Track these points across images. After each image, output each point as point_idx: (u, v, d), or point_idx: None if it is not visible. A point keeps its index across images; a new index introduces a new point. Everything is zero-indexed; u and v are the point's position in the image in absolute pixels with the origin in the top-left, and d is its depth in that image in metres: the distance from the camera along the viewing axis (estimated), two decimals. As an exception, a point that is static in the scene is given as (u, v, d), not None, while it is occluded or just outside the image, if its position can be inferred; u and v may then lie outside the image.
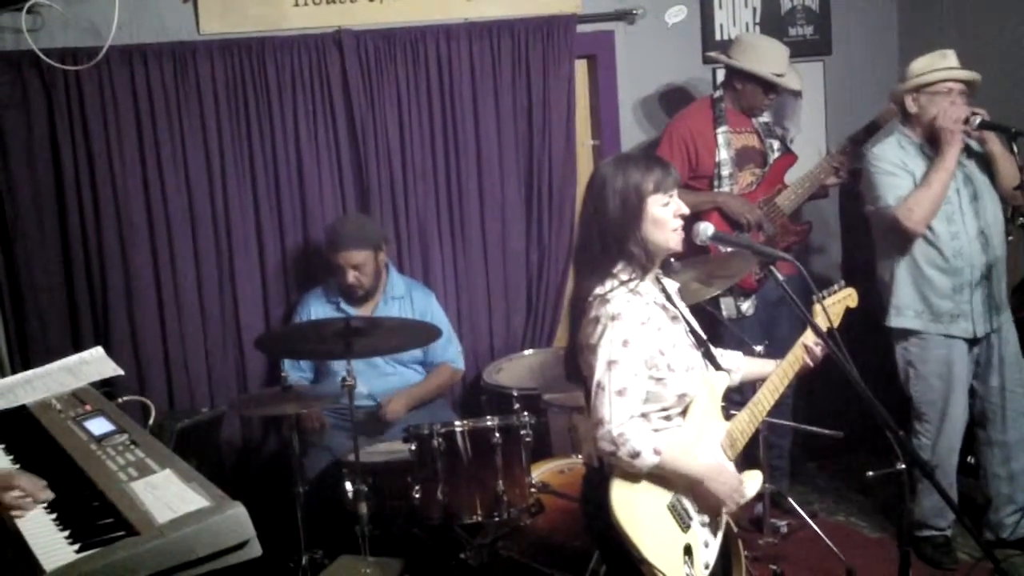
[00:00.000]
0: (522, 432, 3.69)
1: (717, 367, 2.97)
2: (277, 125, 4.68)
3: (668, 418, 2.79)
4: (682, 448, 2.76)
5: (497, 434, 3.66)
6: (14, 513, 2.30)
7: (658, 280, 2.89)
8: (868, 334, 4.08)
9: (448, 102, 4.87)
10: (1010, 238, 4.23)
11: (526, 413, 3.76)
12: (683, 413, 2.83)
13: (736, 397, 3.03)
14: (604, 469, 2.74)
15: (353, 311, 4.52)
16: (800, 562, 4.32)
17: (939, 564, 4.25)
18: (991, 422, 4.27)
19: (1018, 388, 4.24)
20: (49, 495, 2.37)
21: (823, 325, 3.01)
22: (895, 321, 4.21)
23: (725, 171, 4.73)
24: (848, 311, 3.27)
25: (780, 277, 2.92)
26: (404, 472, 3.77)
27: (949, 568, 4.24)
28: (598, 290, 2.73)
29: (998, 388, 4.23)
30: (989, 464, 4.31)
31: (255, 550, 2.14)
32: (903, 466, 2.85)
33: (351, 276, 4.44)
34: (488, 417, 3.76)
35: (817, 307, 3.05)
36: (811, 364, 3.07)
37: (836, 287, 3.26)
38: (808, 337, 3.04)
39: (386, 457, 4.00)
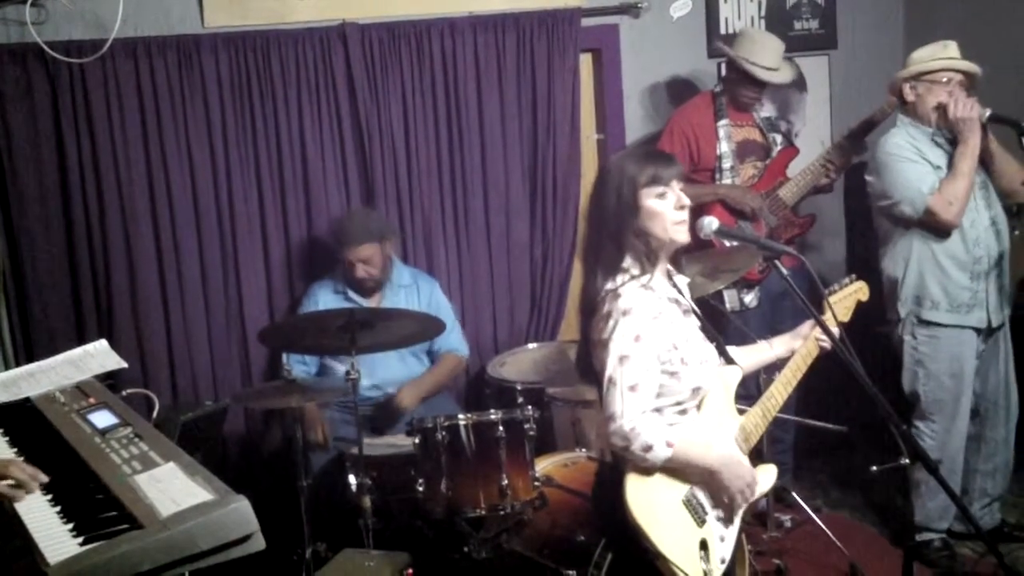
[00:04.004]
0: (526, 426, 3.69)
1: (730, 361, 2.97)
2: (282, 118, 4.68)
3: (683, 412, 2.79)
4: (695, 440, 2.76)
5: (501, 428, 3.66)
6: (11, 502, 2.30)
7: (670, 276, 2.88)
8: (869, 329, 4.08)
9: (453, 96, 4.87)
10: (1016, 233, 4.22)
11: (530, 407, 3.76)
12: (698, 407, 2.83)
13: (740, 391, 3.02)
14: (618, 465, 2.73)
15: (361, 301, 4.53)
16: (803, 557, 4.32)
17: (947, 568, 4.19)
18: (983, 418, 4.26)
19: (1014, 384, 4.25)
20: (43, 479, 2.38)
21: (832, 322, 3.01)
22: (905, 312, 4.16)
23: (726, 164, 4.74)
24: (858, 304, 3.26)
25: (784, 271, 2.91)
26: (408, 466, 3.77)
27: (956, 571, 4.19)
28: (609, 285, 2.72)
29: (997, 383, 4.22)
30: (972, 459, 4.30)
31: (259, 543, 2.15)
32: (907, 461, 2.84)
33: (360, 270, 4.47)
34: (492, 411, 3.76)
35: (828, 301, 3.06)
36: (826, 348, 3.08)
37: (847, 280, 3.25)
38: (820, 331, 3.04)
39: (390, 451, 4.00)
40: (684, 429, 2.76)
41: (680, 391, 2.75)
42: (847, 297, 3.23)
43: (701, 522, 2.76)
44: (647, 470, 2.68)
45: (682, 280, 2.97)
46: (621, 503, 2.66)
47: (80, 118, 4.45)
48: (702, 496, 2.79)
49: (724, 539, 2.82)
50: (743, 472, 2.80)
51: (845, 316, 3.20)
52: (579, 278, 4.64)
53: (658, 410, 2.72)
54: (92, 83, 4.43)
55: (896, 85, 4.18)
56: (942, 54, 4.08)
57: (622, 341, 2.65)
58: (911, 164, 4.04)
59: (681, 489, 2.75)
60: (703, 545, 2.74)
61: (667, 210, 2.73)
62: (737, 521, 2.88)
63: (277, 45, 4.62)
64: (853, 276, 3.28)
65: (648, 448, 2.61)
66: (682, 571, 2.63)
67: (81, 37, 4.43)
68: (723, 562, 2.80)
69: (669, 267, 2.87)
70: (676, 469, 2.72)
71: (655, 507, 2.68)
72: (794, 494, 4.55)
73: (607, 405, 2.66)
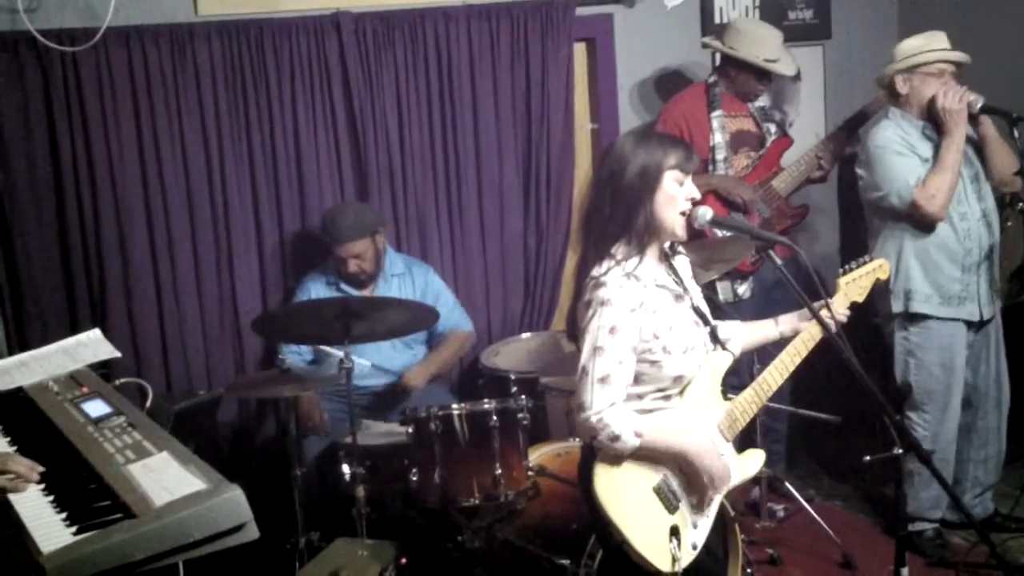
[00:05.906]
0: (519, 415, 3.69)
1: (721, 347, 2.96)
2: (275, 107, 4.67)
3: (667, 398, 2.79)
4: (668, 428, 2.76)
5: (494, 417, 3.65)
6: (10, 495, 2.30)
7: (666, 258, 2.87)
8: (864, 320, 4.07)
9: (447, 85, 4.86)
10: (1008, 223, 4.22)
11: (523, 396, 3.76)
12: (681, 393, 2.83)
13: (733, 381, 3.02)
14: (590, 450, 2.75)
15: (354, 292, 4.52)
16: (796, 546, 4.33)
17: (939, 558, 4.20)
18: (975, 409, 4.26)
19: (1006, 374, 4.25)
20: (40, 469, 2.37)
21: (846, 303, 3.03)
22: (898, 306, 4.15)
23: (720, 155, 4.73)
24: (877, 283, 3.24)
25: (778, 261, 2.91)
26: (401, 455, 3.77)
27: (948, 560, 4.19)
28: (595, 272, 2.72)
29: (988, 373, 4.22)
30: (964, 449, 4.30)
31: (252, 532, 2.14)
32: (900, 451, 2.84)
33: (353, 265, 4.46)
34: (485, 400, 3.75)
35: (840, 281, 3.07)
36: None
37: (865, 258, 3.20)
38: (824, 314, 3.00)
39: (383, 440, 4.00)
40: (658, 418, 2.76)
41: (661, 379, 2.76)
42: (864, 276, 3.16)
43: (672, 509, 2.76)
44: (617, 458, 2.70)
45: (682, 261, 2.96)
46: (590, 489, 2.68)
47: (73, 107, 4.44)
48: (676, 484, 2.79)
49: (697, 526, 2.82)
50: (713, 463, 2.79)
51: (860, 296, 3.15)
52: (573, 267, 4.65)
53: (639, 396, 2.73)
54: (85, 72, 4.42)
55: (887, 78, 4.14)
56: (935, 45, 4.04)
57: (598, 332, 2.66)
58: (900, 157, 4.02)
59: (653, 477, 2.76)
60: (674, 532, 2.74)
61: (681, 198, 2.73)
62: (713, 509, 2.87)
63: (271, 34, 4.61)
64: (871, 255, 3.25)
65: (615, 438, 2.64)
66: (643, 558, 2.65)
67: (74, 25, 4.42)
68: (694, 548, 2.79)
69: (666, 249, 2.86)
70: (648, 457, 2.73)
71: (623, 493, 2.70)
72: (787, 484, 4.57)
73: (577, 394, 2.68)
